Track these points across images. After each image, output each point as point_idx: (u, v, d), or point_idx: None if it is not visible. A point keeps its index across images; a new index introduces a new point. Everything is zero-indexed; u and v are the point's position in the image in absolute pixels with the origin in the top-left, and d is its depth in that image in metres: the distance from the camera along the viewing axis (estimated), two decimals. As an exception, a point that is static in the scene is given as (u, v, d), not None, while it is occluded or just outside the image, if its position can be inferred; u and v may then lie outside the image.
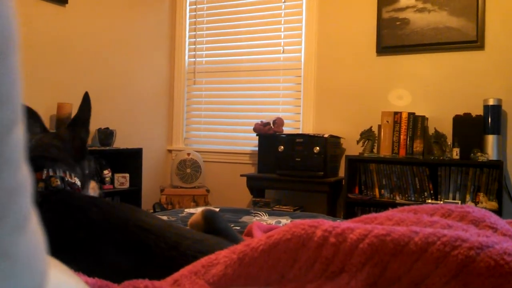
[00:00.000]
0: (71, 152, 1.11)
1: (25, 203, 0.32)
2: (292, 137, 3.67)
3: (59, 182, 1.01)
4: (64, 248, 0.88)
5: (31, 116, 1.25)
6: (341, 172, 3.79)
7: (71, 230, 0.92)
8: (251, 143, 4.23)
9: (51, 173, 1.02)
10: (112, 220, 0.94)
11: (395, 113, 3.54)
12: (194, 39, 4.61)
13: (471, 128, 3.29)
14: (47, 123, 3.31)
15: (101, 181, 3.54)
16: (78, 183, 1.09)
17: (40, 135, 1.13)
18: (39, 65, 3.34)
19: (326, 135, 3.58)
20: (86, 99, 1.20)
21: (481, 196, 3.18)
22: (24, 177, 0.32)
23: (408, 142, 3.49)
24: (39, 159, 1.04)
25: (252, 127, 4.01)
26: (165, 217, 1.97)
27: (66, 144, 1.11)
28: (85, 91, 1.22)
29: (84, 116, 1.18)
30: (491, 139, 3.23)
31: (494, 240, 0.61)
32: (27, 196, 0.32)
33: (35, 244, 0.33)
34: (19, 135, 0.31)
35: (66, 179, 1.04)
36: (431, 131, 3.51)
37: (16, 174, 0.30)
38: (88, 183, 1.20)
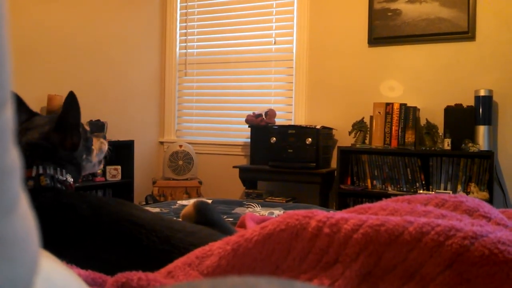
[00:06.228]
0: (62, 153, 1.09)
1: (14, 186, 0.31)
2: (284, 128, 3.67)
3: (48, 181, 1.00)
4: (54, 245, 0.87)
5: (15, 101, 1.21)
6: (333, 163, 3.80)
7: (61, 227, 0.91)
8: (243, 134, 4.22)
9: (41, 171, 1.00)
10: (103, 215, 0.94)
11: (387, 104, 3.55)
12: (185, 31, 4.58)
13: (463, 119, 3.30)
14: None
15: (93, 174, 3.52)
16: (70, 179, 1.07)
17: (29, 135, 1.10)
18: (29, 56, 3.30)
19: (318, 127, 3.58)
20: (72, 100, 1.06)
21: (472, 186, 3.21)
22: (13, 160, 0.31)
23: (399, 133, 3.50)
24: (28, 157, 1.02)
25: (244, 119, 3.99)
26: (157, 209, 1.96)
27: (56, 146, 1.08)
28: (70, 90, 1.07)
29: (73, 120, 1.08)
30: (482, 130, 3.25)
31: (488, 230, 0.61)
32: (16, 179, 0.31)
33: (26, 228, 0.33)
34: (7, 117, 0.30)
35: (56, 177, 1.03)
36: (422, 122, 3.52)
37: (4, 156, 0.30)
38: (89, 154, 1.16)
